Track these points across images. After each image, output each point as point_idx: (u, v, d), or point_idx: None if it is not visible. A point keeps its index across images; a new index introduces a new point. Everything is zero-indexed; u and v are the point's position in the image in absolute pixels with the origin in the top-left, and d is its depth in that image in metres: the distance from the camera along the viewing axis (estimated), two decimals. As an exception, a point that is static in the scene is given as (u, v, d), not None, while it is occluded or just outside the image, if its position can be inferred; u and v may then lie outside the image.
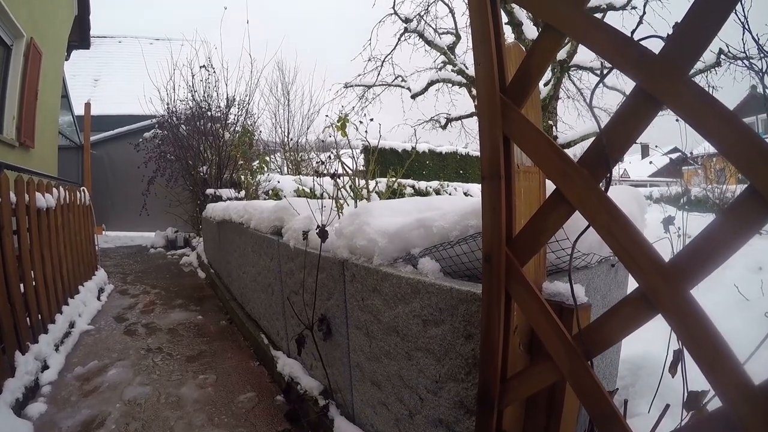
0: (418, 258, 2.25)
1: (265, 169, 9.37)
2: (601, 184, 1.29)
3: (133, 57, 15.54)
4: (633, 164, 53.55)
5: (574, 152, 26.13)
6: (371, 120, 4.46)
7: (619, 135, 1.24)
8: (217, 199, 9.30)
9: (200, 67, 11.66)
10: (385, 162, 15.42)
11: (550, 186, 1.90)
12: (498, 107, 1.51)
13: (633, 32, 1.31)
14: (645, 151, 55.07)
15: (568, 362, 1.39)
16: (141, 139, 13.59)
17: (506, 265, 1.56)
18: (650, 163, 48.36)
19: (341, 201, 3.87)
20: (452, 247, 2.11)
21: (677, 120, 1.55)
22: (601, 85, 13.56)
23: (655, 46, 1.19)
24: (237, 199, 8.93)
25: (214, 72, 11.78)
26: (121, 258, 11.53)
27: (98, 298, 6.98)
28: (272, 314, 4.43)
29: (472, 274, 2.15)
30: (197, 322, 6.04)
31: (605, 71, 1.92)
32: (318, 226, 2.88)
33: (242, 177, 9.21)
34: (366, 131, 4.35)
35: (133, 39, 26.71)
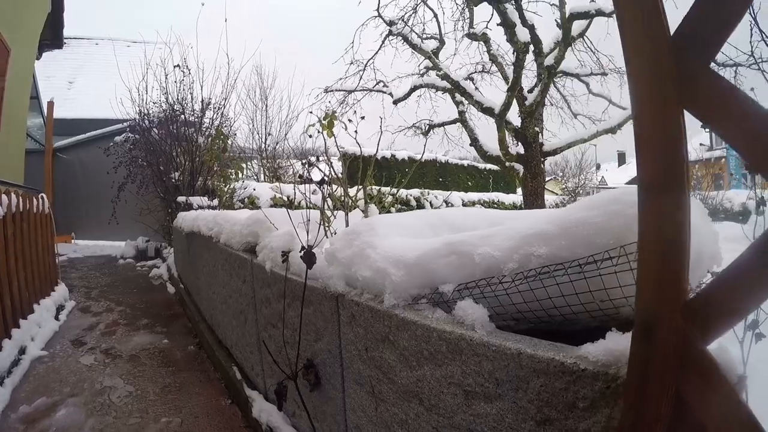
0: (454, 299, 1.55)
1: (240, 175, 8.61)
2: None
3: (110, 60, 14.74)
4: (610, 171, 53.40)
5: (556, 160, 25.77)
6: (362, 118, 3.78)
7: None
8: (188, 207, 8.53)
9: (174, 66, 10.84)
10: (364, 169, 14.63)
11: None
12: (670, 63, 0.83)
13: None
14: (622, 158, 55.40)
15: None
16: (111, 143, 12.72)
17: (680, 345, 0.86)
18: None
19: (328, 213, 3.16)
20: (505, 288, 1.42)
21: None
22: (587, 92, 13.24)
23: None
24: (210, 207, 8.15)
25: (189, 73, 10.99)
26: (88, 269, 10.69)
27: (56, 318, 6.21)
28: (245, 345, 3.70)
29: (524, 317, 1.48)
30: (163, 347, 5.29)
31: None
32: (302, 247, 2.16)
33: (216, 184, 8.45)
34: (356, 131, 3.67)
35: (111, 41, 25.69)
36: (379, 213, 3.76)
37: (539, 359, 1.21)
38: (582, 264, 1.30)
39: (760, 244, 0.76)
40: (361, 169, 3.59)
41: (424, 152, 4.88)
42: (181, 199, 9.14)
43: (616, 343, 1.13)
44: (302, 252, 2.16)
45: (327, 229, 2.88)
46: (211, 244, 4.62)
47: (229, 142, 10.53)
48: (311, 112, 3.84)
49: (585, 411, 1.13)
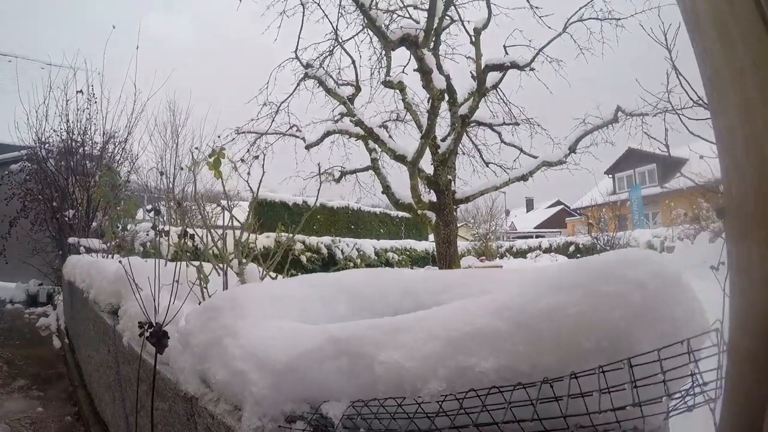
0: (349, 428, 0.97)
1: (135, 217, 7.77)
2: None
3: (21, 79, 13.31)
4: (519, 217, 54.17)
5: (467, 206, 25.87)
6: (256, 158, 3.21)
7: None
8: (77, 250, 7.59)
9: (77, 92, 10.01)
10: (275, 216, 14.25)
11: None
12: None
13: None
14: (530, 204, 56.72)
15: None
16: (6, 172, 11.41)
17: None
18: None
19: (204, 272, 2.50)
20: (428, 415, 0.86)
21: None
22: (498, 141, 13.40)
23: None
24: (104, 251, 7.24)
25: (96, 101, 10.13)
26: (-32, 314, 9.52)
27: None
28: (118, 426, 2.97)
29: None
30: (36, 418, 4.42)
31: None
32: (149, 324, 1.54)
33: (106, 225, 7.56)
34: (248, 173, 3.07)
35: (25, 60, 23.80)
36: (285, 268, 3.15)
37: None
38: (554, 386, 0.76)
39: None
40: (249, 213, 2.99)
41: (317, 198, 4.29)
42: (71, 240, 8.18)
43: None
44: (149, 331, 1.53)
45: (204, 290, 2.25)
46: (83, 298, 3.87)
47: (134, 177, 9.74)
48: (196, 148, 3.21)
49: None
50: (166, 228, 2.37)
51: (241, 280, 2.59)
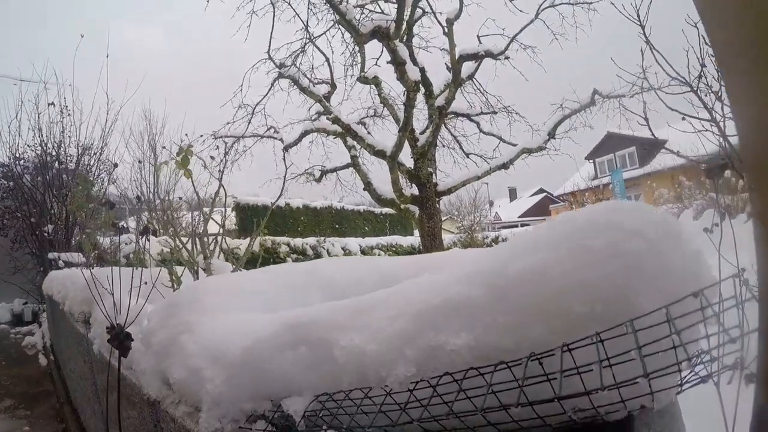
0: (315, 426, 0.87)
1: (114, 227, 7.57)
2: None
3: None
4: (503, 207, 53.90)
5: (450, 199, 25.73)
6: (226, 154, 3.11)
7: None
8: (58, 265, 7.43)
9: (48, 104, 9.87)
10: (257, 219, 14.15)
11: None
12: None
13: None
14: (513, 194, 56.65)
15: None
16: (-17, 191, 11.21)
17: None
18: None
19: (176, 272, 2.40)
20: (400, 405, 0.76)
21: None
22: (477, 131, 13.26)
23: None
24: (85, 264, 7.08)
25: (69, 114, 10.01)
26: (-48, 337, 9.32)
27: None
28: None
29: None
30: (22, 438, 4.30)
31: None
32: (111, 326, 1.43)
33: (83, 237, 7.39)
34: (220, 170, 2.96)
35: None
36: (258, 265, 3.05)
37: None
38: (544, 363, 0.65)
39: None
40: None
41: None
42: (51, 256, 8.02)
43: None
44: (110, 333, 1.43)
45: (177, 290, 2.15)
46: (60, 311, 3.77)
47: (113, 190, 9.59)
48: (164, 147, 3.11)
49: None
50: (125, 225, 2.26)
51: (208, 274, 2.49)
